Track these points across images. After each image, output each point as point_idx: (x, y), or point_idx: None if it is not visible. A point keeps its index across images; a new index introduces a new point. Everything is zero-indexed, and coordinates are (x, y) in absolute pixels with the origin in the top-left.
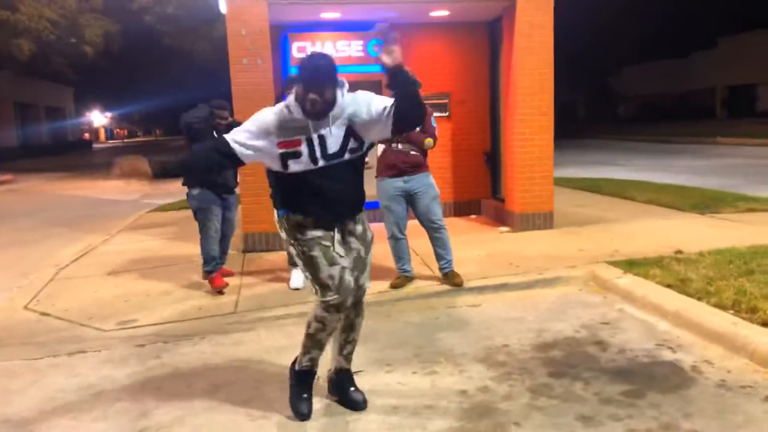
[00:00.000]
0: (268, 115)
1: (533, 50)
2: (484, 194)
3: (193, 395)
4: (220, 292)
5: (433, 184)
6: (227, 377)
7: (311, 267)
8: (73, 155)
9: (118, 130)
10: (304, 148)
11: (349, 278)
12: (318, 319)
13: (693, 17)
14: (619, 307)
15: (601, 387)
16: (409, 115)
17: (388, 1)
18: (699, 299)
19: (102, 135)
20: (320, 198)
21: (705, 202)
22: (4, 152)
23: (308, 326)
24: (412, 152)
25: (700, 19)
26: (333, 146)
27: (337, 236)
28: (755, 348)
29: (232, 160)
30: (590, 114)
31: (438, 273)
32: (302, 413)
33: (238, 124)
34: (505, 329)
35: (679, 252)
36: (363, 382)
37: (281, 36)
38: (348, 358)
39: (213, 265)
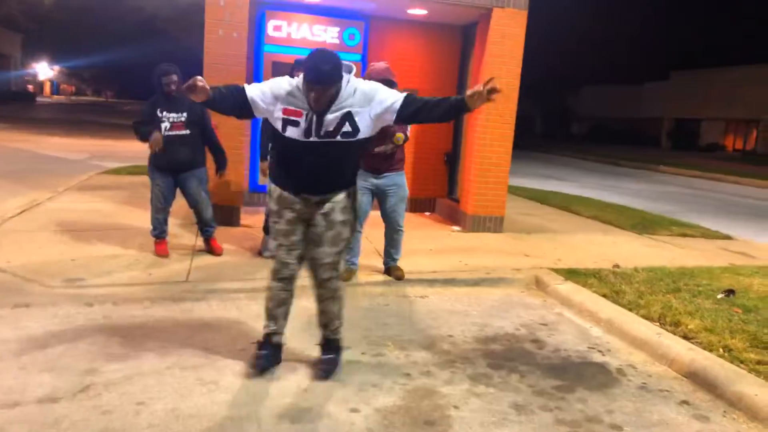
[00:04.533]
0: (282, 84)
1: (503, 59)
2: (440, 193)
3: (142, 357)
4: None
5: (404, 185)
6: (178, 341)
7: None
8: (15, 106)
9: (65, 85)
10: (302, 121)
11: (283, 254)
12: (267, 287)
13: (650, 48)
14: (557, 311)
15: (535, 380)
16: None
17: None
18: (630, 310)
19: (47, 89)
20: (297, 169)
21: (643, 223)
22: None
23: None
24: (387, 152)
25: (656, 50)
26: (328, 126)
27: (296, 213)
28: (675, 357)
29: (244, 106)
30: (546, 129)
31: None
32: (256, 366)
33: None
34: (451, 321)
35: (616, 266)
36: (312, 356)
37: (258, 12)
38: (327, 328)
39: (155, 232)
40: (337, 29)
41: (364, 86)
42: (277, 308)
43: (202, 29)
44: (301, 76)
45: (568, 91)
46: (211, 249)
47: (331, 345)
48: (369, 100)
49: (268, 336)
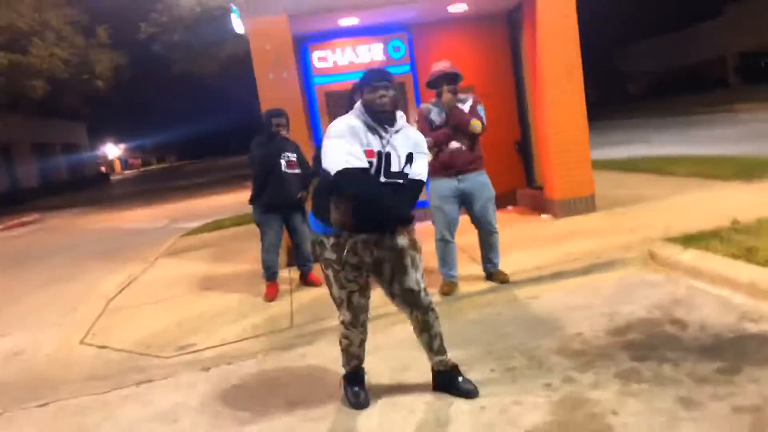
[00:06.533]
0: (349, 120)
1: (558, 33)
2: (518, 184)
3: (270, 415)
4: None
5: (488, 184)
6: (300, 393)
7: (327, 285)
8: (93, 189)
9: (131, 160)
10: (374, 161)
11: (358, 299)
12: (343, 335)
13: None
14: (687, 284)
15: (692, 367)
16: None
17: (405, 1)
18: None
19: (117, 166)
20: (364, 211)
21: (746, 170)
22: (27, 192)
23: (340, 342)
24: (464, 148)
25: None
26: (395, 165)
27: (358, 257)
28: None
29: (364, 173)
30: (600, 96)
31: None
32: (358, 402)
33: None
34: (574, 317)
35: (736, 222)
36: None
37: (301, 47)
38: (440, 353)
39: (270, 272)
40: (381, 45)
41: (419, 136)
42: (360, 347)
43: (241, 78)
44: (359, 105)
45: (617, 51)
46: (310, 282)
47: (455, 367)
48: (420, 154)
49: (357, 370)
